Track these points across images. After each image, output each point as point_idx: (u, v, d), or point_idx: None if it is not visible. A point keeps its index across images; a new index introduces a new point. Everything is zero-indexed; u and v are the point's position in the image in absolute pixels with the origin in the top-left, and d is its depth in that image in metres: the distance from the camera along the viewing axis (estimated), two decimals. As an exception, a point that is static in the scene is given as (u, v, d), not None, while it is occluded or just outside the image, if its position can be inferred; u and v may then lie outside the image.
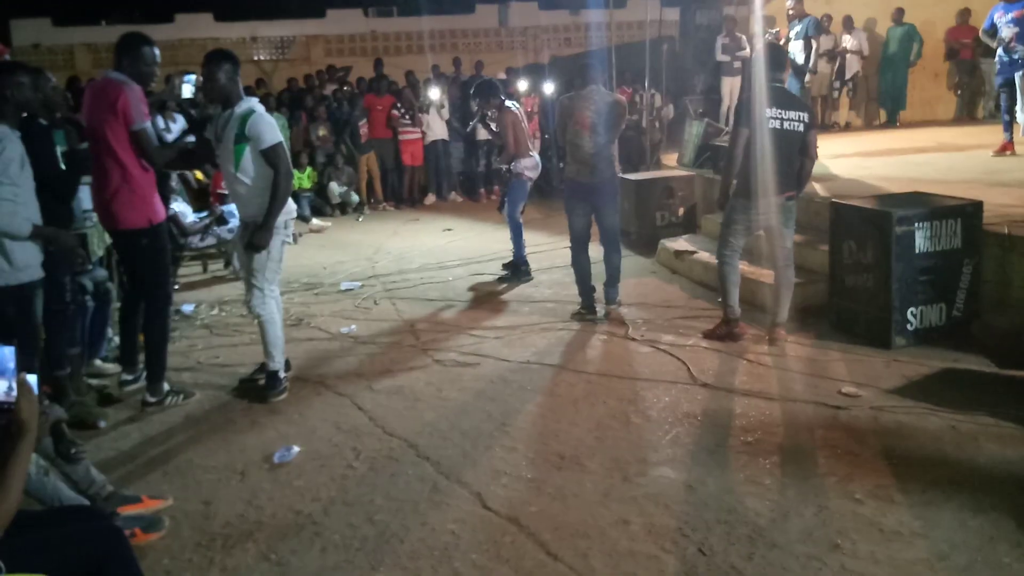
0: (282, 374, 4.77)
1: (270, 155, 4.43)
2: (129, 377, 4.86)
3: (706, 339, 5.29)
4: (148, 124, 4.35)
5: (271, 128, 4.46)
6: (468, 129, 11.08)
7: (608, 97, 5.88)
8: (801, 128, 5.01)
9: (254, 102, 4.54)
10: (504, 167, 7.39)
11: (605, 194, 5.88)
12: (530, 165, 7.29)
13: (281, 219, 4.53)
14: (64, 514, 2.71)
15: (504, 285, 7.19)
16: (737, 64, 11.50)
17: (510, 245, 7.53)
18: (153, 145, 4.40)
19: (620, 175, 8.44)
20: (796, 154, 5.06)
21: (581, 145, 5.76)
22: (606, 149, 5.80)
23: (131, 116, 4.24)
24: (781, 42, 10.74)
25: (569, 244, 6.07)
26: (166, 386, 4.67)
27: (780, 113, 4.97)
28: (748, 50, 11.24)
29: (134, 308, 4.78)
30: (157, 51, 4.46)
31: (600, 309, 6.00)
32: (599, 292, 6.06)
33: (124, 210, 4.36)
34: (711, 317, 5.75)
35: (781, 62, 5.17)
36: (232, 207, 6.83)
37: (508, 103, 7.33)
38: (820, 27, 11.80)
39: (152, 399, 4.60)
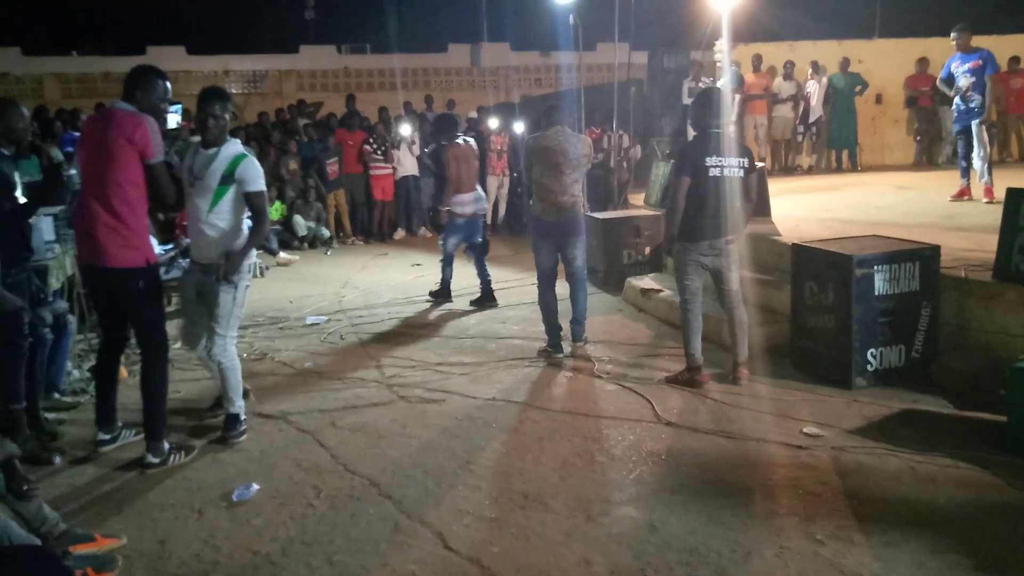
0: (243, 416, 4.66)
1: (256, 199, 4.41)
2: (106, 436, 4.44)
3: (668, 383, 5.30)
4: (164, 158, 4.21)
5: (260, 174, 4.45)
6: (422, 152, 11.32)
7: (573, 137, 5.99)
8: (741, 174, 5.10)
9: (239, 144, 4.50)
10: (435, 208, 7.59)
11: (571, 233, 5.96)
12: (467, 200, 7.50)
13: (245, 263, 4.47)
14: (14, 554, 2.64)
15: (432, 295, 7.94)
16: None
17: (477, 282, 7.72)
18: (167, 179, 4.24)
19: (587, 213, 8.68)
20: (736, 199, 5.12)
21: (547, 184, 5.85)
22: (572, 188, 5.90)
23: (151, 150, 4.06)
24: None
25: (536, 281, 6.11)
26: (167, 444, 4.29)
27: (720, 160, 5.04)
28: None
29: (112, 357, 4.51)
30: (169, 85, 4.33)
31: (567, 347, 6.02)
32: (565, 330, 6.08)
33: (118, 248, 4.10)
34: (676, 355, 5.78)
35: (715, 108, 5.19)
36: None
37: (459, 138, 7.66)
38: (741, 80, 12.16)
39: (154, 460, 4.20)
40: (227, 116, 4.43)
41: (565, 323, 6.09)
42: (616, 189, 11.23)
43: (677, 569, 3.14)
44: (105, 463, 4.31)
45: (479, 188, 7.74)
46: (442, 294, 7.93)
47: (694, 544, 3.31)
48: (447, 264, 7.80)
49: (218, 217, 4.39)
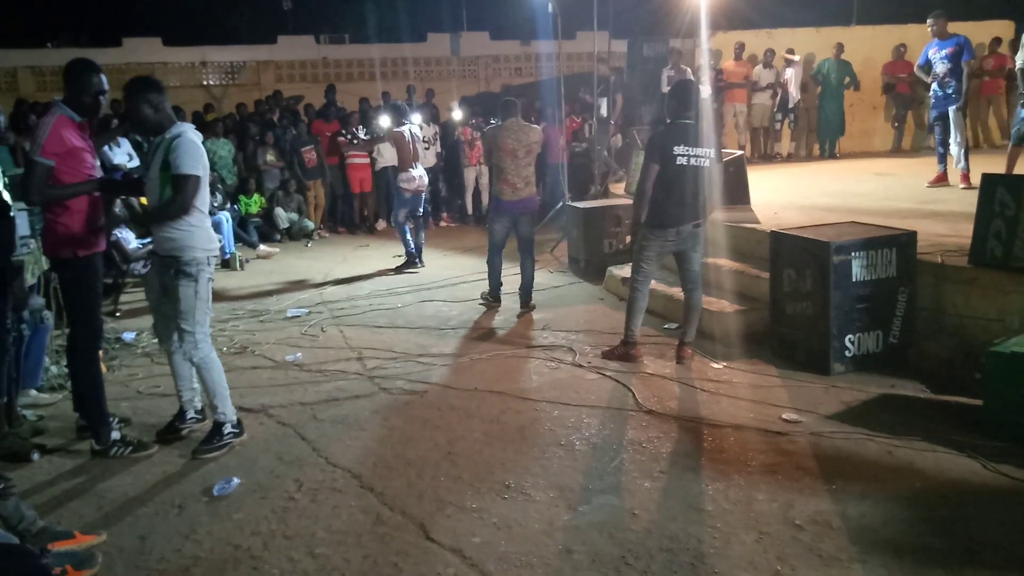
0: (228, 429, 4.32)
1: (178, 183, 4.07)
2: (98, 448, 4.31)
3: (604, 359, 5.55)
4: (42, 159, 3.96)
5: (191, 156, 4.09)
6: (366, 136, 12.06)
7: (526, 128, 6.93)
8: (707, 163, 5.33)
9: (186, 127, 4.23)
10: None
11: (525, 208, 6.97)
12: (406, 179, 8.84)
13: (204, 254, 4.23)
14: (-10, 552, 2.62)
15: (395, 270, 9.07)
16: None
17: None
18: (36, 179, 3.98)
19: (569, 203, 8.94)
20: (703, 187, 5.34)
21: (505, 168, 6.80)
22: (526, 171, 6.87)
23: (34, 145, 3.97)
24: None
25: (488, 248, 7.15)
26: (115, 434, 4.31)
27: (688, 150, 5.22)
28: (693, 82, 11.50)
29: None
30: (103, 78, 4.18)
31: (511, 311, 6.90)
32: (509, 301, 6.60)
33: (51, 240, 4.20)
34: (657, 343, 5.83)
35: (688, 100, 5.33)
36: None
37: (404, 125, 8.92)
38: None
39: (96, 447, 4.28)
40: (146, 108, 4.13)
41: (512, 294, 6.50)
42: (597, 178, 11.23)
43: (657, 556, 3.16)
44: (84, 459, 4.28)
45: (419, 167, 8.96)
46: (408, 264, 9.09)
47: (674, 531, 3.33)
48: (404, 234, 9.06)
49: None
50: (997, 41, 12.91)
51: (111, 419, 4.47)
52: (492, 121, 8.65)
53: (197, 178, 4.13)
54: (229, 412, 4.35)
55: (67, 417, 4.71)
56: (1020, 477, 3.66)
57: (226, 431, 4.32)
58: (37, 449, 4.35)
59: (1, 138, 5.88)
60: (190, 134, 4.19)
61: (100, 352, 4.70)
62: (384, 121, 12.13)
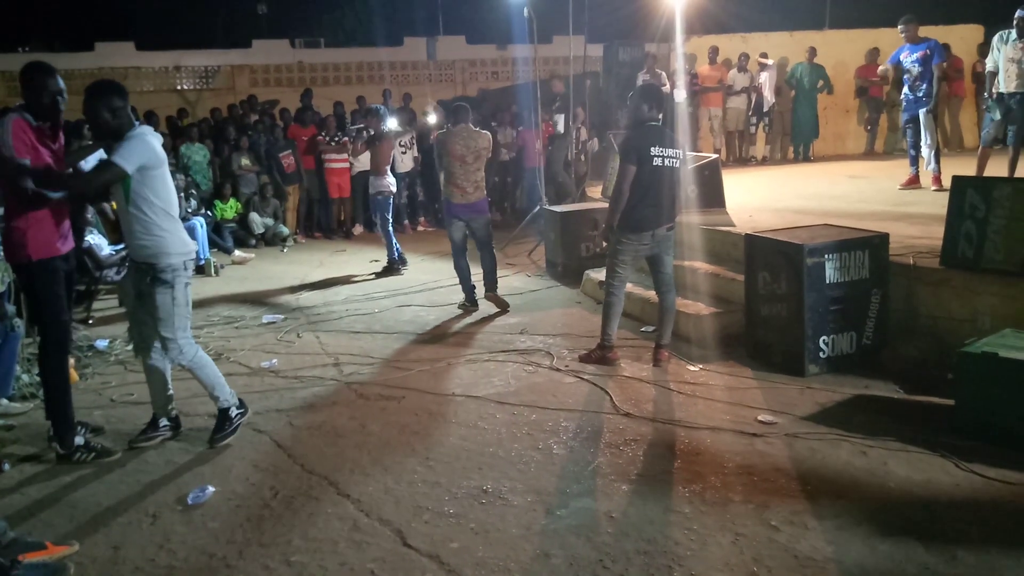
0: (234, 411, 4.44)
1: (100, 164, 4.07)
2: (62, 452, 4.27)
3: (581, 362, 5.57)
4: (20, 160, 3.95)
5: (129, 150, 4.02)
6: (344, 137, 12.08)
7: (476, 134, 7.09)
8: (678, 164, 5.38)
9: (146, 129, 4.19)
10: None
11: (475, 211, 7.10)
12: (388, 182, 9.06)
13: (179, 260, 4.22)
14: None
15: (376, 275, 9.04)
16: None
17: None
18: (21, 177, 4.00)
19: (546, 207, 8.97)
20: (674, 188, 5.40)
21: (454, 172, 6.97)
22: (475, 175, 7.04)
23: (3, 146, 3.95)
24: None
25: (452, 254, 7.27)
26: (79, 439, 4.29)
27: (662, 151, 5.26)
28: (668, 86, 11.57)
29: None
30: (59, 81, 4.14)
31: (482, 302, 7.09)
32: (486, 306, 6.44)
33: (6, 245, 4.21)
34: (635, 346, 5.85)
35: (657, 101, 5.40)
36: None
37: (385, 128, 9.14)
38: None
39: (60, 450, 4.26)
40: (106, 113, 4.08)
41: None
42: (574, 182, 11.27)
43: (635, 559, 3.16)
44: (56, 468, 4.22)
45: (387, 175, 9.14)
46: (389, 270, 9.07)
47: (651, 534, 3.34)
48: (390, 240, 9.09)
49: (138, 209, 4.12)
50: (946, 46, 13.04)
51: (78, 427, 4.42)
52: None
53: (120, 170, 4.01)
54: (230, 397, 4.47)
55: (39, 426, 4.64)
56: (992, 476, 3.71)
57: (233, 414, 4.46)
58: (7, 459, 4.28)
59: None
60: (147, 135, 4.16)
61: (69, 357, 4.64)
62: (392, 123, 12.07)
